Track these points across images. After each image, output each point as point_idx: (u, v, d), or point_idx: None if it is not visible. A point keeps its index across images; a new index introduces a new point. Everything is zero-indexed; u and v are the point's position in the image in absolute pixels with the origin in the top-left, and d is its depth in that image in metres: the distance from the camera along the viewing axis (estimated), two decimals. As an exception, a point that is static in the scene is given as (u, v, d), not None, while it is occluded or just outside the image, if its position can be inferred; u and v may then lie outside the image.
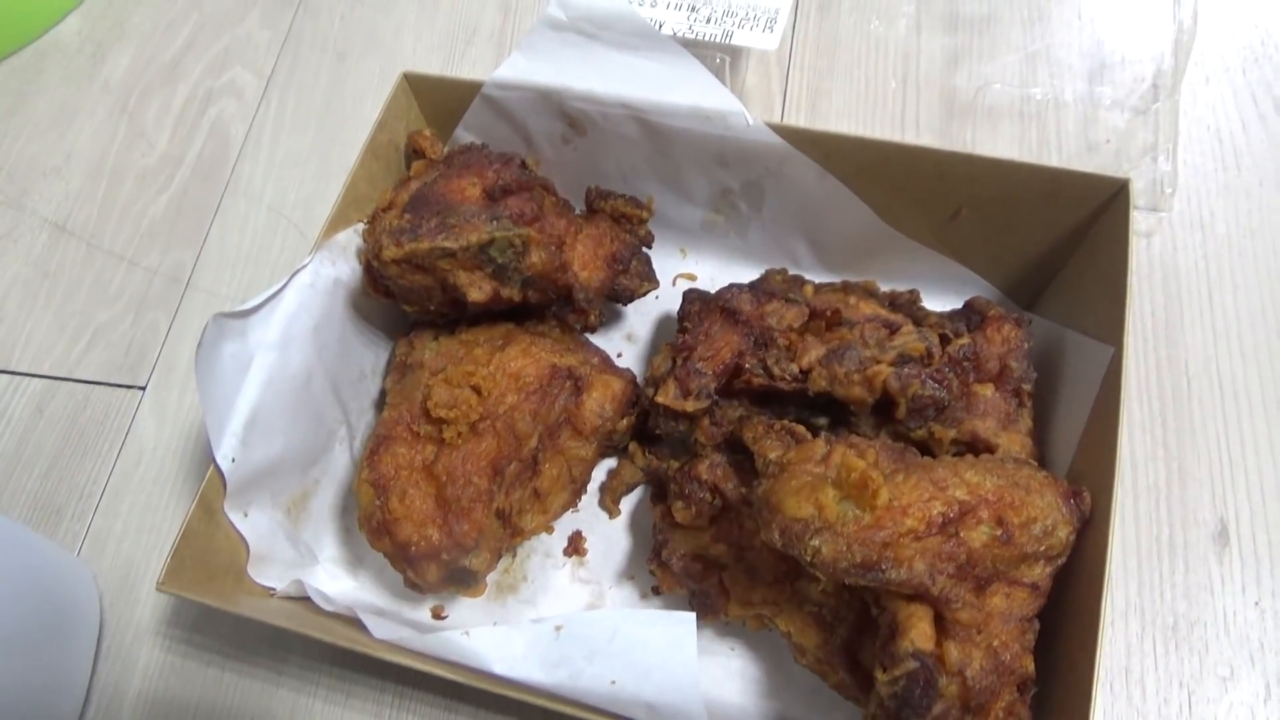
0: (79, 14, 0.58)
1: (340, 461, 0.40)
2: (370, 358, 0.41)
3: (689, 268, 0.45)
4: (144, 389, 0.46)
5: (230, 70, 0.55)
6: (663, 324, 0.44)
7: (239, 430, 0.34)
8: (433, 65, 0.53)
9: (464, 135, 0.43)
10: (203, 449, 0.44)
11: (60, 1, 0.58)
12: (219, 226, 0.50)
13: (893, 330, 0.34)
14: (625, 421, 0.38)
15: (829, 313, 0.34)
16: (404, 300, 0.38)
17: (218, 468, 0.34)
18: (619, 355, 0.43)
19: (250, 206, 0.50)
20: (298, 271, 0.37)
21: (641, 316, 0.44)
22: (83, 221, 0.51)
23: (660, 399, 0.35)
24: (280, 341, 0.36)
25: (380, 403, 0.42)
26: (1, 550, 0.35)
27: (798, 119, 0.49)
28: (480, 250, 0.35)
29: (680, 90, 0.40)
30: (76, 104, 0.55)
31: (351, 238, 0.39)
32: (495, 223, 0.35)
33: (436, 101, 0.43)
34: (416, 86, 0.42)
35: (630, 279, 0.41)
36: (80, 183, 0.52)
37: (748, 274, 0.42)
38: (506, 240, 0.35)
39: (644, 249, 0.41)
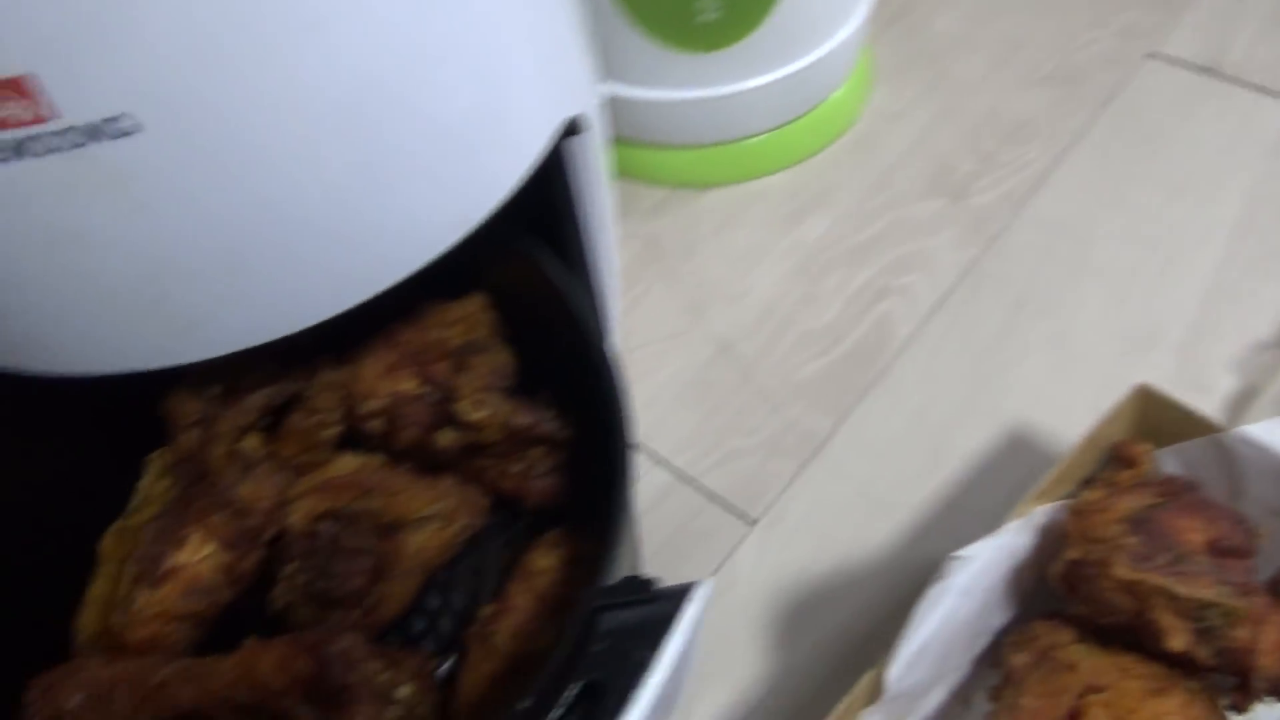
0: (791, 173, 0.66)
1: (935, 702, 0.41)
2: (996, 623, 0.42)
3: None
4: (753, 525, 0.50)
5: (910, 275, 0.59)
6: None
7: (907, 656, 0.36)
8: (1105, 354, 0.54)
9: (1167, 458, 0.44)
10: (791, 606, 0.47)
11: (774, 161, 0.66)
12: (861, 410, 0.54)
13: None
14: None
15: None
16: (1084, 603, 0.38)
17: (882, 685, 0.36)
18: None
19: (894, 407, 0.54)
20: (1005, 529, 0.39)
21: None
22: (745, 352, 0.57)
23: None
24: (964, 587, 0.38)
25: (988, 657, 0.42)
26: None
27: None
28: (1200, 606, 0.35)
29: None
30: (767, 248, 0.62)
31: (1046, 513, 0.41)
32: (1223, 586, 0.36)
33: (1148, 412, 0.44)
34: (1143, 398, 0.43)
35: (1293, 678, 0.39)
36: (752, 318, 0.58)
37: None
38: (1228, 608, 0.35)
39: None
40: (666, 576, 0.48)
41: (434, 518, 0.40)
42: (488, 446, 0.38)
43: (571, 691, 0.28)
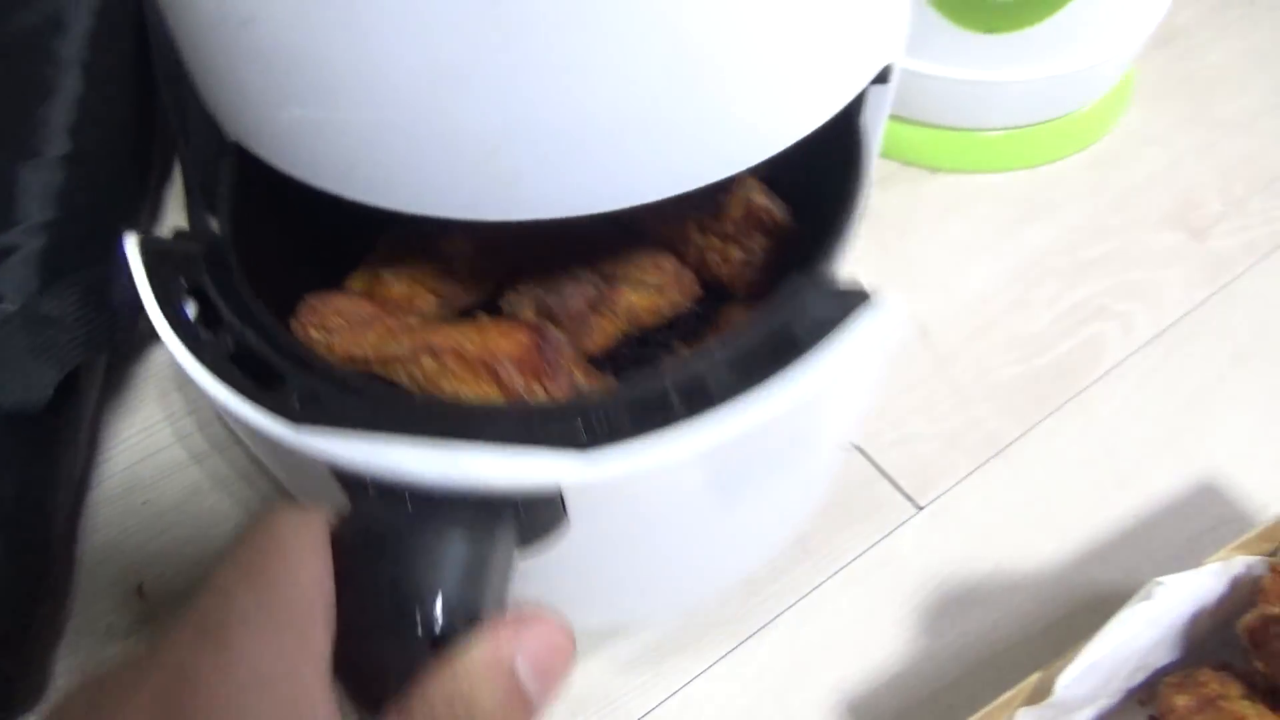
0: (1024, 175, 0.65)
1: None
2: (1159, 661, 0.41)
3: None
4: (920, 510, 0.50)
5: (1131, 303, 0.57)
6: None
7: (1083, 666, 0.36)
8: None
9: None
10: (943, 596, 0.47)
11: (1010, 160, 0.65)
12: (1052, 424, 0.52)
13: None
14: None
15: None
16: (1268, 661, 0.37)
17: (1051, 688, 0.36)
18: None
19: (1086, 430, 0.52)
20: (1205, 569, 0.38)
21: None
22: (944, 341, 0.56)
23: None
24: (1155, 616, 0.37)
25: (1139, 693, 0.41)
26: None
27: None
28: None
29: None
30: (987, 244, 0.61)
31: (1244, 564, 0.40)
32: None
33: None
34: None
35: None
36: (958, 310, 0.58)
37: None
38: None
39: None
40: (826, 539, 0.48)
41: (650, 285, 0.44)
42: (718, 225, 0.43)
43: (759, 333, 0.29)
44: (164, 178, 0.62)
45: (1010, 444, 0.52)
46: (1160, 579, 0.37)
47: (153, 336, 0.55)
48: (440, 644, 0.23)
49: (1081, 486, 0.50)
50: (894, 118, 0.64)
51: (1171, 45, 0.72)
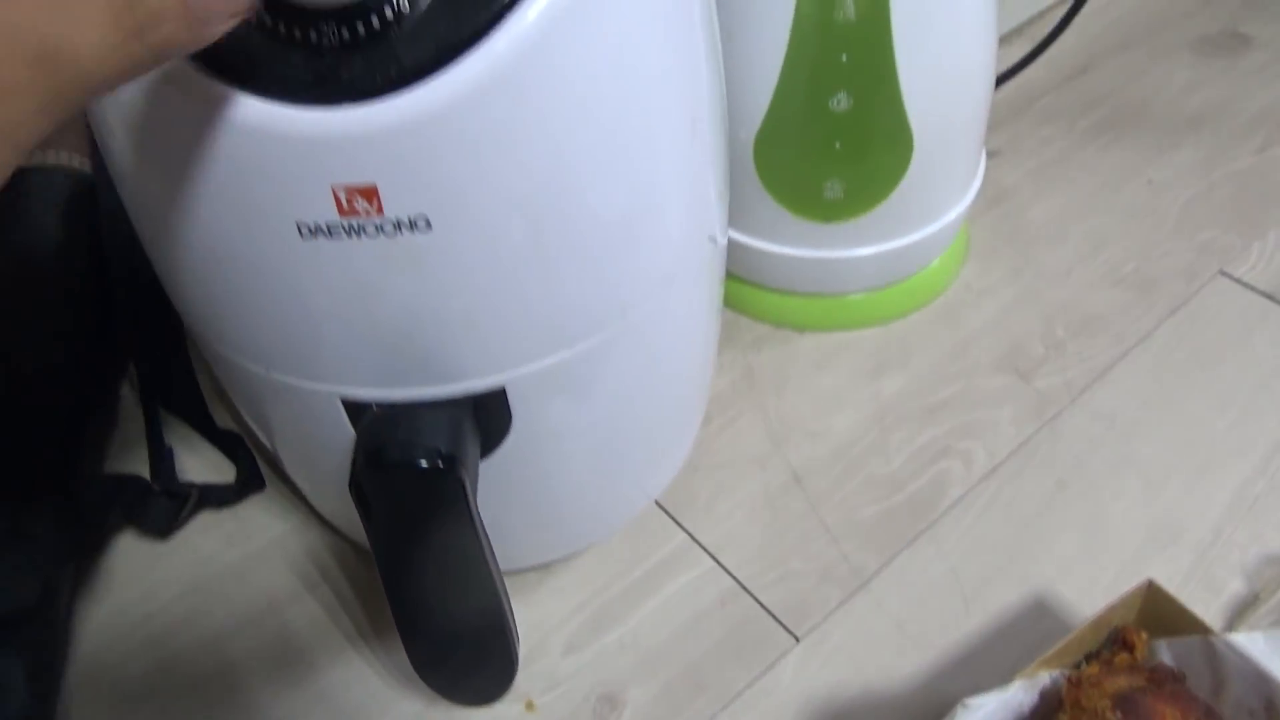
0: (880, 331, 0.74)
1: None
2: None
3: None
4: (798, 641, 0.58)
5: (970, 441, 0.67)
6: None
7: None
8: (1130, 542, 0.61)
9: (1162, 649, 0.50)
10: (818, 718, 0.54)
11: (866, 318, 0.75)
12: (907, 555, 0.61)
13: None
14: None
15: None
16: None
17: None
18: None
19: (936, 558, 0.61)
20: (1012, 686, 0.46)
21: None
22: (814, 486, 0.65)
23: None
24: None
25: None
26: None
27: None
28: (1163, 781, 0.42)
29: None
30: (849, 395, 0.70)
31: (1049, 678, 0.48)
32: (1186, 768, 0.42)
33: (1153, 605, 0.51)
34: (1150, 592, 0.50)
35: None
36: (826, 456, 0.67)
37: None
38: (1186, 786, 0.42)
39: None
40: (718, 673, 0.56)
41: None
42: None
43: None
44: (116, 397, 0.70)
45: (873, 576, 0.60)
46: (966, 700, 0.45)
47: (115, 533, 0.62)
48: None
49: (934, 609, 0.59)
50: (762, 287, 0.74)
51: (1000, 204, 0.84)
